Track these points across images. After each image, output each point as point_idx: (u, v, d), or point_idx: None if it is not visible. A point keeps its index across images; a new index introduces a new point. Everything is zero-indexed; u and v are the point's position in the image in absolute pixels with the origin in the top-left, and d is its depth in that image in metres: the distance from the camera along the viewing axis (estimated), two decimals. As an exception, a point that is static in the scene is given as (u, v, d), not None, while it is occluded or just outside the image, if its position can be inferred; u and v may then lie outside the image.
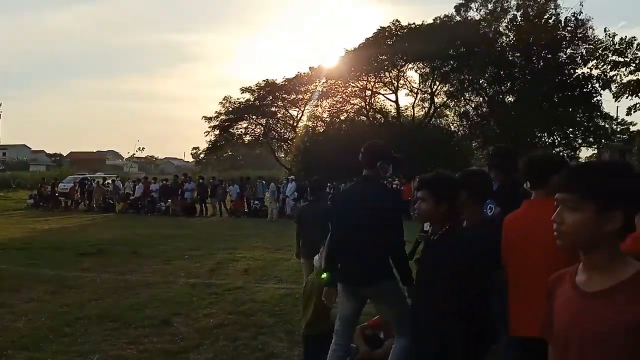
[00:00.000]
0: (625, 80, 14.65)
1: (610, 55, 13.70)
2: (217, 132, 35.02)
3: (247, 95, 34.82)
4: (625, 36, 13.03)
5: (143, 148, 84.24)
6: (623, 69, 13.62)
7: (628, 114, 14.42)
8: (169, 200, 22.89)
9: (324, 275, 3.91)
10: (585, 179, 1.41)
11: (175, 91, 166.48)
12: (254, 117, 34.86)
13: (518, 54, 28.81)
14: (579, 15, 28.29)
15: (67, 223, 18.61)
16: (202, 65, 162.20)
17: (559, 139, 29.56)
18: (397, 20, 31.82)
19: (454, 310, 2.47)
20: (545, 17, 29.35)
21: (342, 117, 35.31)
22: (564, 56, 28.47)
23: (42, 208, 24.63)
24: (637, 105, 13.33)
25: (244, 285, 7.93)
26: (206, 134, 35.20)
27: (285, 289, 7.60)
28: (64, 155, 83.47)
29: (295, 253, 6.69)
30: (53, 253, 10.98)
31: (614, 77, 14.92)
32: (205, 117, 34.77)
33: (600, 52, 15.55)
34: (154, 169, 79.76)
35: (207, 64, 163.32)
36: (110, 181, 27.79)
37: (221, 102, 34.96)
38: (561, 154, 29.46)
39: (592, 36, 27.09)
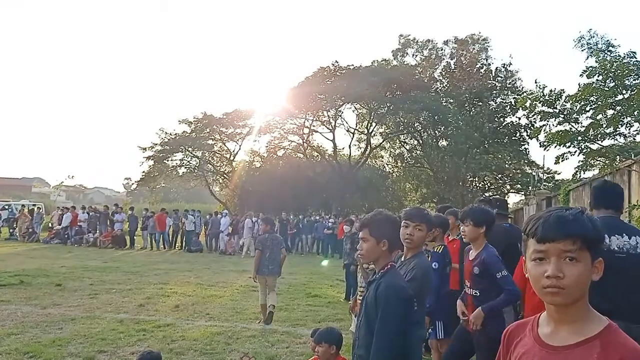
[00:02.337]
0: (554, 130, 15.70)
1: (540, 105, 14.67)
2: (151, 162, 34.21)
3: (184, 127, 34.45)
4: (555, 88, 14.17)
5: (73, 176, 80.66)
6: (552, 120, 14.60)
7: (556, 162, 15.42)
8: (98, 231, 22.07)
9: None
10: (582, 228, 1.31)
11: (110, 119, 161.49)
12: (189, 149, 34.33)
13: (452, 100, 30.02)
14: (509, 66, 30.30)
15: (-13, 251, 17.56)
16: (140, 94, 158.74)
17: (489, 184, 31.04)
18: (336, 61, 32.68)
19: (379, 346, 2.55)
20: (477, 66, 31.10)
21: (280, 154, 35.51)
22: (494, 104, 30.09)
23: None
24: (565, 155, 14.31)
25: (175, 322, 7.69)
26: (140, 164, 34.34)
27: (217, 327, 7.43)
28: (-15, 180, 78.70)
29: (253, 276, 8.18)
30: (-28, 282, 10.33)
31: (544, 127, 16.02)
32: (140, 147, 33.98)
33: (530, 102, 16.67)
34: (82, 199, 76.60)
35: (147, 93, 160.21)
36: (35, 209, 26.47)
37: (157, 133, 34.39)
38: (491, 198, 30.85)
39: (521, 87, 28.96)
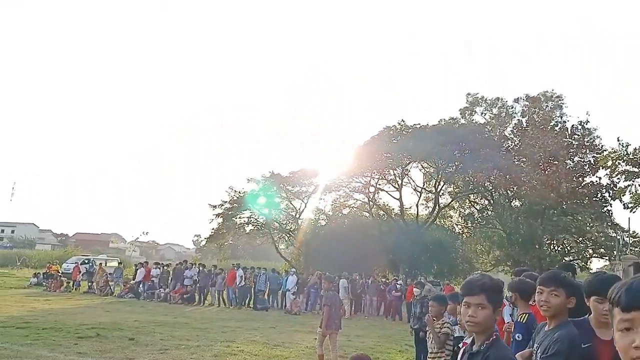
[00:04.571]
0: (640, 191, 14.44)
1: (623, 165, 13.61)
2: (220, 220, 35.09)
3: (253, 185, 35.35)
4: (640, 146, 13.12)
5: (147, 232, 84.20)
6: (638, 180, 13.46)
7: (645, 225, 14.03)
8: (169, 287, 22.63)
9: None
10: None
11: (184, 177, 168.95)
12: (257, 207, 35.09)
13: (524, 159, 28.81)
14: (586, 124, 28.95)
15: (68, 304, 18.41)
16: (213, 154, 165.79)
17: (568, 247, 29.13)
18: (402, 120, 32.65)
19: None
20: (552, 124, 29.91)
21: (345, 212, 35.38)
22: (572, 163, 28.59)
23: (45, 287, 24.84)
24: (654, 217, 13.05)
25: (241, 382, 7.58)
26: (210, 221, 35.33)
27: (282, 390, 7.25)
28: (70, 235, 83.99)
29: (323, 331, 8.74)
30: (52, 334, 10.80)
31: (629, 187, 14.78)
32: (211, 205, 35.07)
33: (612, 161, 15.50)
34: (155, 254, 79.47)
35: (216, 154, 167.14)
36: (114, 264, 27.79)
37: (226, 191, 35.46)
38: (572, 262, 28.77)
39: (600, 145, 27.48)
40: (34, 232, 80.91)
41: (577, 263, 28.55)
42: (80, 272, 26.79)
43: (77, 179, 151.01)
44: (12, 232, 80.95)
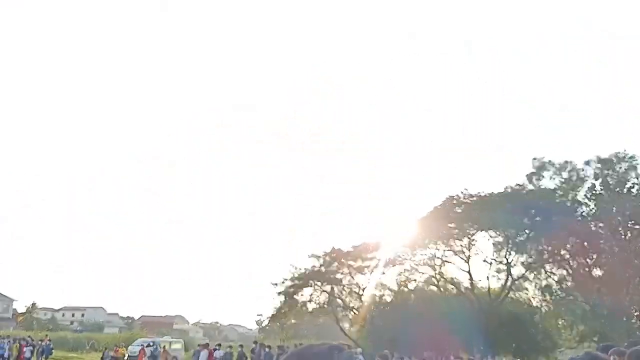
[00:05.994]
0: None
1: None
2: (282, 298, 34.54)
3: (314, 261, 34.81)
4: None
5: (209, 313, 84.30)
6: None
7: None
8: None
9: None
10: None
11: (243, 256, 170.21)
12: (318, 283, 34.30)
13: (602, 224, 27.04)
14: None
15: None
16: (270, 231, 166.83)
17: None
18: (465, 188, 31.70)
19: None
20: (628, 186, 28.16)
21: (411, 287, 33.97)
22: (654, 227, 26.60)
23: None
24: None
25: None
26: (272, 299, 34.86)
27: None
28: (136, 318, 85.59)
29: None
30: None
31: None
32: (272, 283, 34.68)
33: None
34: (217, 335, 78.95)
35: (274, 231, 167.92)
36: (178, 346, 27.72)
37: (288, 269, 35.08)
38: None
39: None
40: (103, 316, 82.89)
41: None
42: (145, 354, 26.75)
43: (142, 263, 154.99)
44: (82, 315, 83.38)
